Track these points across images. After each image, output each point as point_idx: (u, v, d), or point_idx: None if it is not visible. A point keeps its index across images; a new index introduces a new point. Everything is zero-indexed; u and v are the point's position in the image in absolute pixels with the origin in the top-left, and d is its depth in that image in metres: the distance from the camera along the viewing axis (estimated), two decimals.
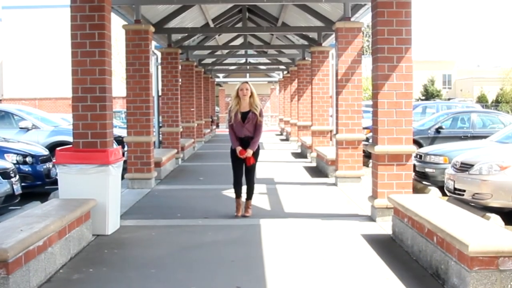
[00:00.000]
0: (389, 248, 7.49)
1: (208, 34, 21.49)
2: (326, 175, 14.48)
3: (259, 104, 9.51)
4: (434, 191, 12.77)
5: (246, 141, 9.36)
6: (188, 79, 21.45)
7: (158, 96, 19.60)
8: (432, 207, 7.03)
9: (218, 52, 27.22)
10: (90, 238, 7.86)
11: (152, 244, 7.78)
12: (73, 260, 6.96)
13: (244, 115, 9.33)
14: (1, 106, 21.56)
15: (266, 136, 29.49)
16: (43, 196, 11.64)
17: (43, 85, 46.24)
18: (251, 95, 9.35)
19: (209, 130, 31.26)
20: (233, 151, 9.49)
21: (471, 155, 11.30)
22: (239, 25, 21.33)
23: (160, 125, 18.61)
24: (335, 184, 13.00)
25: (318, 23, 16.14)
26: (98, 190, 8.07)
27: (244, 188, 9.61)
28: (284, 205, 10.62)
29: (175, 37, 18.50)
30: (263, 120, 9.71)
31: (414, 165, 12.84)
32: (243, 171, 9.54)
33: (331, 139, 17.22)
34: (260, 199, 10.89)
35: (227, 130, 9.92)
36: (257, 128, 9.39)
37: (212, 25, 18.98)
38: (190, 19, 18.19)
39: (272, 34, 23.16)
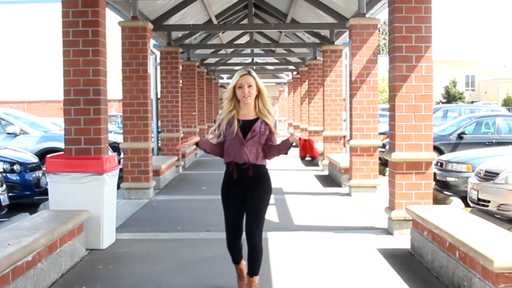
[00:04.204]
0: (407, 263, 7.49)
1: (211, 32, 21.53)
2: (339, 185, 14.47)
3: (272, 109, 6.11)
4: (456, 201, 12.76)
5: (246, 172, 5.95)
6: (190, 80, 21.47)
7: (157, 99, 19.63)
8: (454, 219, 7.02)
9: (222, 51, 27.26)
10: (83, 252, 7.87)
11: (151, 259, 7.78)
12: (64, 277, 6.97)
13: (247, 126, 5.94)
14: None
15: None
16: (32, 207, 11.68)
17: (32, 87, 46.43)
18: (259, 94, 5.98)
19: (212, 136, 31.22)
20: (226, 185, 6.16)
21: (496, 163, 11.28)
22: (245, 21, 21.36)
23: (159, 130, 18.64)
24: (348, 194, 12.99)
25: (330, 20, 16.12)
26: (92, 200, 8.08)
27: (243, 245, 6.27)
28: (293, 216, 10.62)
29: (176, 35, 18.54)
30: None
31: (435, 174, 12.82)
32: (242, 221, 6.14)
33: (344, 146, 17.21)
34: (267, 210, 10.87)
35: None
36: (271, 146, 6.03)
37: (215, 21, 19.02)
38: (192, 15, 18.22)
39: (281, 32, 23.17)
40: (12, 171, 12.41)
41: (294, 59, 28.12)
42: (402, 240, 8.57)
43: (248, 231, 5.98)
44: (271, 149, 5.98)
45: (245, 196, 5.99)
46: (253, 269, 6.04)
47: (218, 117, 6.13)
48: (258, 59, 32.99)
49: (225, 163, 6.11)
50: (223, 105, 6.04)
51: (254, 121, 5.94)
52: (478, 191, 10.95)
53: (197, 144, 6.03)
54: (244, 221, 6.08)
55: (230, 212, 6.12)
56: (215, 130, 6.17)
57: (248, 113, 5.98)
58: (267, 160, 6.06)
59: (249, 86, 5.88)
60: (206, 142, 6.10)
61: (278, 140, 5.98)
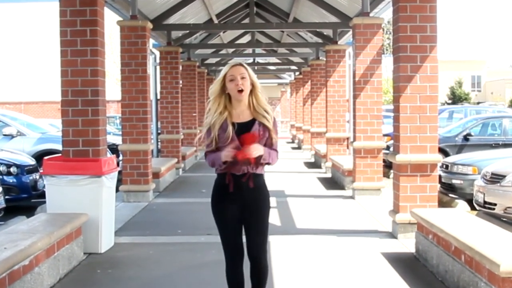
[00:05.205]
0: (412, 267, 7.49)
1: (211, 31, 21.55)
2: (342, 187, 14.46)
3: (269, 106, 5.27)
4: (462, 204, 12.74)
5: (245, 184, 5.12)
6: (190, 81, 21.49)
7: (157, 100, 19.64)
8: (459, 223, 7.02)
9: (223, 51, 27.27)
10: (81, 256, 7.88)
11: (150, 264, 7.78)
12: (62, 281, 6.97)
13: (243, 130, 5.09)
14: None
15: None
16: (29, 210, 11.69)
17: (29, 87, 46.37)
18: (252, 90, 5.19)
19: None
20: (219, 200, 5.25)
21: (503, 165, 11.28)
22: (246, 21, 21.36)
23: (159, 131, 18.64)
24: (352, 197, 12.99)
25: (333, 19, 16.14)
26: (90, 203, 8.08)
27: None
28: (296, 220, 10.62)
29: (175, 34, 18.54)
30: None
31: (440, 176, 12.79)
32: (242, 240, 5.33)
33: (347, 147, 17.21)
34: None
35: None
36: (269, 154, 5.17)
37: (216, 21, 19.03)
38: (192, 14, 18.24)
39: (283, 31, 23.21)
40: (8, 173, 12.40)
41: (296, 59, 28.13)
42: (406, 243, 8.56)
43: (251, 252, 5.26)
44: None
45: (243, 212, 5.19)
46: (259, 284, 5.40)
47: (205, 120, 5.21)
48: (259, 59, 33.00)
49: (216, 173, 5.24)
50: (209, 101, 5.19)
51: (251, 123, 5.12)
52: (484, 193, 10.94)
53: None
54: (242, 238, 5.31)
55: (228, 232, 5.26)
56: (204, 138, 5.22)
57: (243, 113, 5.16)
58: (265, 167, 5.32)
59: (242, 77, 5.07)
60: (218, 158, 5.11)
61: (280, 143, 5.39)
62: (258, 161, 5.07)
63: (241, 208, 5.16)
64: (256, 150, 4.94)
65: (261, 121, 5.11)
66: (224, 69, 5.15)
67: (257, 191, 5.18)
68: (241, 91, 5.06)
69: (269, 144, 5.18)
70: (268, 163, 5.20)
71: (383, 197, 12.69)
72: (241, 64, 5.14)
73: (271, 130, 5.15)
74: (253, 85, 5.14)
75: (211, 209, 5.26)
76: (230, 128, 5.04)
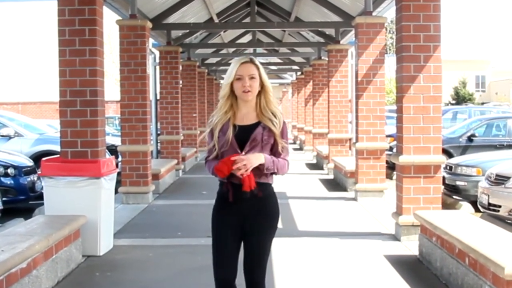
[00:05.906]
0: (415, 270, 7.49)
1: (212, 31, 21.54)
2: (344, 189, 14.46)
3: (278, 110, 4.80)
4: (466, 206, 12.73)
5: (245, 193, 4.58)
6: (190, 81, 21.47)
7: (156, 100, 19.63)
8: (463, 225, 7.01)
9: (224, 51, 27.25)
10: (79, 259, 7.87)
11: (149, 266, 7.78)
12: (60, 284, 6.97)
13: (244, 133, 4.66)
14: None
15: None
16: (27, 212, 11.67)
17: (27, 88, 46.40)
18: (262, 91, 4.74)
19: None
20: (218, 210, 4.79)
21: (507, 166, 11.27)
22: (247, 20, 21.37)
23: (158, 132, 18.63)
24: (354, 199, 12.99)
25: (335, 18, 16.15)
26: (89, 205, 8.07)
27: None
28: (297, 222, 10.61)
29: (175, 34, 18.54)
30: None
31: (444, 178, 12.79)
32: (237, 258, 4.75)
33: (350, 149, 17.20)
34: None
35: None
36: (277, 162, 4.67)
37: (216, 20, 19.01)
38: (192, 13, 18.23)
39: (284, 31, 23.18)
40: (6, 174, 12.39)
41: (298, 59, 28.11)
42: (410, 246, 8.56)
43: (246, 273, 4.74)
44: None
45: (244, 226, 4.70)
46: None
47: (209, 120, 4.80)
48: (260, 59, 32.84)
49: (218, 180, 4.75)
50: (218, 104, 4.80)
51: (254, 127, 4.65)
52: (488, 195, 10.93)
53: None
54: (238, 257, 4.75)
55: (220, 244, 4.71)
56: (208, 139, 4.76)
57: (248, 116, 4.70)
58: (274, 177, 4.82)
59: (251, 78, 4.62)
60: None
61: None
62: (262, 171, 4.60)
63: (241, 220, 4.69)
64: (248, 162, 4.50)
65: (266, 124, 4.64)
66: (232, 66, 4.68)
67: (260, 202, 4.71)
68: (246, 92, 4.63)
69: (278, 153, 4.69)
70: (274, 173, 4.71)
71: (386, 199, 12.68)
72: (252, 62, 4.69)
73: (276, 135, 4.64)
74: (262, 86, 4.69)
75: (211, 217, 4.82)
76: (230, 130, 4.61)
